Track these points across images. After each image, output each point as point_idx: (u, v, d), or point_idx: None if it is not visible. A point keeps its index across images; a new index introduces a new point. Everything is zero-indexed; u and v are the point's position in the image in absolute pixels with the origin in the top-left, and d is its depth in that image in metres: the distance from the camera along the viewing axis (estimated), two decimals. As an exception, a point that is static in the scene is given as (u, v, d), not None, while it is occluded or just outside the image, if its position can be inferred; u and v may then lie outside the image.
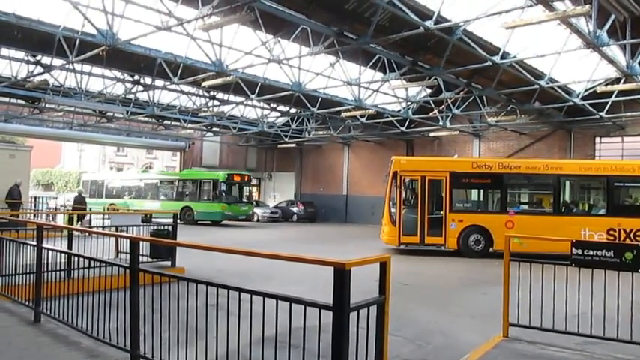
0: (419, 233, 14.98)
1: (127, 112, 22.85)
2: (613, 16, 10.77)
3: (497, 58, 13.22)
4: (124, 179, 31.37)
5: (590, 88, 17.73)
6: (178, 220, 10.59)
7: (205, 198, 25.71)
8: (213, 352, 3.65)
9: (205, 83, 15.84)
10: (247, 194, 27.48)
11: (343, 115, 22.31)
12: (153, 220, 10.46)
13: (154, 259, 9.17)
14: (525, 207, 15.75)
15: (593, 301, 5.05)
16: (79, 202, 18.70)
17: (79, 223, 14.79)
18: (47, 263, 5.97)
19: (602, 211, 14.63)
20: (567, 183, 15.44)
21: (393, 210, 15.14)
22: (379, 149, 29.83)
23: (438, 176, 15.15)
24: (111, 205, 24.97)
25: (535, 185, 15.90)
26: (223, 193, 25.32)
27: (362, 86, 18.05)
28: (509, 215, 14.63)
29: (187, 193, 26.67)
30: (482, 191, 16.12)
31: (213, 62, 14.02)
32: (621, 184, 14.90)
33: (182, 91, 21.97)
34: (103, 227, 10.93)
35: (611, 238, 13.60)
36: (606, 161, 15.65)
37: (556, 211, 14.70)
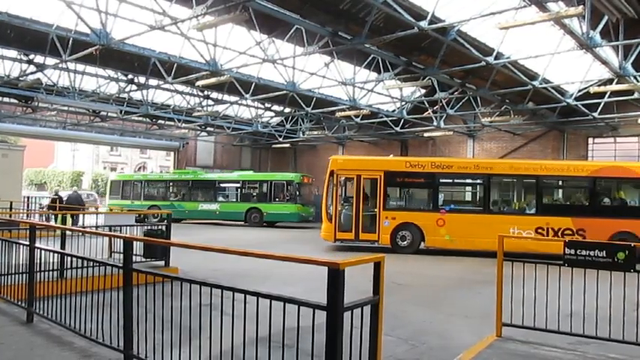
0: (354, 230, 15.21)
1: (121, 112, 22.75)
2: (606, 18, 10.83)
3: (491, 59, 13.27)
4: (170, 179, 28.76)
5: (583, 89, 17.81)
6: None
7: (278, 199, 25.38)
8: (207, 352, 3.65)
9: (199, 83, 15.80)
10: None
11: (337, 115, 22.31)
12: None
13: (148, 259, 9.13)
14: (456, 205, 15.80)
15: (586, 301, 5.07)
16: (76, 202, 18.46)
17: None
18: (40, 263, 5.95)
19: (532, 210, 14.76)
20: (497, 182, 15.58)
21: (330, 207, 15.44)
22: (374, 149, 29.85)
23: (372, 175, 15.40)
24: (152, 207, 24.59)
25: (466, 184, 16.23)
26: (298, 195, 25.14)
27: (356, 86, 18.06)
28: (441, 213, 14.79)
29: (254, 194, 26.19)
30: (415, 190, 16.34)
31: (208, 62, 13.99)
32: (550, 184, 15.30)
33: (176, 91, 21.91)
34: (97, 227, 10.87)
35: (539, 236, 13.93)
36: (536, 162, 15.92)
37: (486, 210, 14.80)
